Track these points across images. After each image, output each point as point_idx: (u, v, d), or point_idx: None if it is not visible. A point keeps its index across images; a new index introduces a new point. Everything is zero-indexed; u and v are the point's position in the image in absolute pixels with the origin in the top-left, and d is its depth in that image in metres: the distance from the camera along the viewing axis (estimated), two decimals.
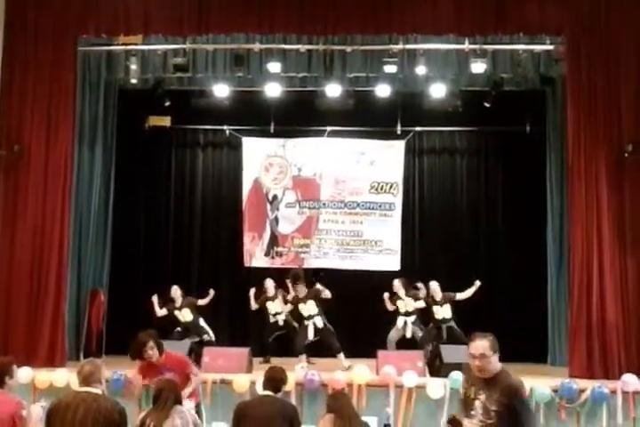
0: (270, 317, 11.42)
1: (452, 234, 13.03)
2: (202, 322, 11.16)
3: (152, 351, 6.62)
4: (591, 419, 8.48)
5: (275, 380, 5.66)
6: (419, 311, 11.20)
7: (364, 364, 9.30)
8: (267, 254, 12.88)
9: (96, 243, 11.52)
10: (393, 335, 11.12)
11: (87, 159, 11.26)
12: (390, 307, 11.16)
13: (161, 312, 11.05)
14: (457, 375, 8.54)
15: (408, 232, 12.89)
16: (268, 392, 5.58)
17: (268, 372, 5.76)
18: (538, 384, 8.57)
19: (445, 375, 8.80)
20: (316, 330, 10.62)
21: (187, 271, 13.10)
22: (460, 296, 11.04)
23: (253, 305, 11.39)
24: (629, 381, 8.62)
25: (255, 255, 12.88)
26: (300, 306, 10.73)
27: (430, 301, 11.05)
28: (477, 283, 10.96)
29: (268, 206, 12.99)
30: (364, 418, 5.59)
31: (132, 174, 12.76)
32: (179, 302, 11.13)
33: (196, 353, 9.92)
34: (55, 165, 10.40)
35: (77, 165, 10.90)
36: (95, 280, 11.55)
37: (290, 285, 11.04)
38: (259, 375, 8.66)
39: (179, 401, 5.55)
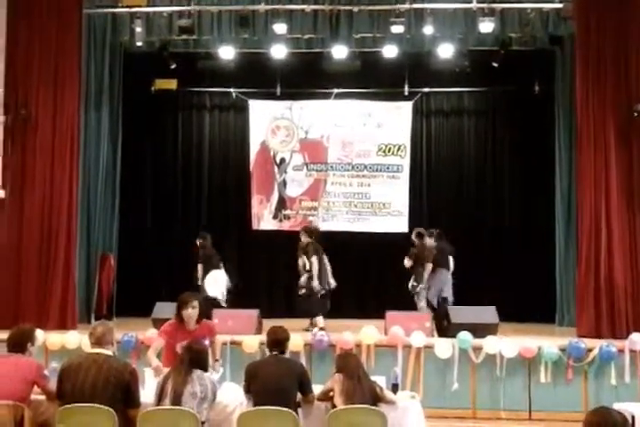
0: None
1: (459, 195, 13.03)
2: None
3: (193, 311, 6.28)
4: (599, 378, 8.50)
5: (279, 342, 5.71)
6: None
7: (373, 324, 9.36)
8: (275, 217, 12.89)
9: (105, 208, 11.56)
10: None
11: (94, 123, 11.23)
12: None
13: None
14: (464, 336, 8.61)
15: (416, 194, 12.87)
16: (276, 352, 5.66)
17: (271, 334, 5.78)
18: (546, 344, 8.61)
19: (453, 336, 8.84)
20: None
21: (195, 235, 13.12)
22: None
23: None
24: (637, 340, 8.64)
25: (263, 218, 12.89)
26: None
27: None
28: None
29: (276, 169, 12.96)
30: (372, 378, 5.62)
31: (139, 137, 12.75)
32: None
33: (205, 315, 9.94)
34: (62, 128, 10.37)
35: (84, 129, 10.87)
36: (105, 244, 11.60)
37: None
38: None
39: (205, 368, 5.35)
